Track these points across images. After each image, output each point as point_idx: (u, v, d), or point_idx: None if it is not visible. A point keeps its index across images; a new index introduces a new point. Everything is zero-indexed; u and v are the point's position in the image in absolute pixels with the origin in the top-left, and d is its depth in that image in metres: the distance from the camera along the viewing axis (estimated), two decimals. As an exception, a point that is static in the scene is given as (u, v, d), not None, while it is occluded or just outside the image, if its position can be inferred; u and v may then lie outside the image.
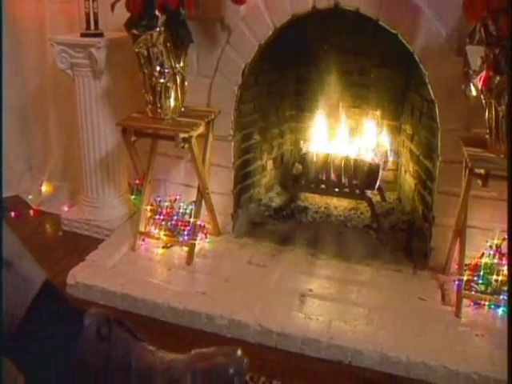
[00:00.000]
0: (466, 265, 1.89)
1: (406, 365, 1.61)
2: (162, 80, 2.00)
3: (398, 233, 2.35)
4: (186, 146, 1.99)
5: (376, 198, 2.57)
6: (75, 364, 0.77)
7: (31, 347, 0.77)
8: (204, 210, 2.23)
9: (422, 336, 1.70)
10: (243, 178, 2.44)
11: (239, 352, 0.81)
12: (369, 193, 2.47)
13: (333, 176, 2.47)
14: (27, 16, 2.65)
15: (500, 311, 1.84)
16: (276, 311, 1.81)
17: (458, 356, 1.61)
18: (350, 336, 1.69)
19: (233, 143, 2.27)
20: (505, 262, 1.87)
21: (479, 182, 1.71)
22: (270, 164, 2.70)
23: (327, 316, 1.79)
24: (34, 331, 0.75)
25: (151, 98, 2.05)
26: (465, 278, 1.87)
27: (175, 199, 2.28)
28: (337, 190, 2.50)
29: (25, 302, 0.74)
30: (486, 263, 1.89)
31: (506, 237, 1.85)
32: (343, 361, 1.66)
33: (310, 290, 1.94)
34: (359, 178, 2.44)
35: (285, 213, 2.51)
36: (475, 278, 1.89)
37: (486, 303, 1.86)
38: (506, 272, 1.85)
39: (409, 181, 2.53)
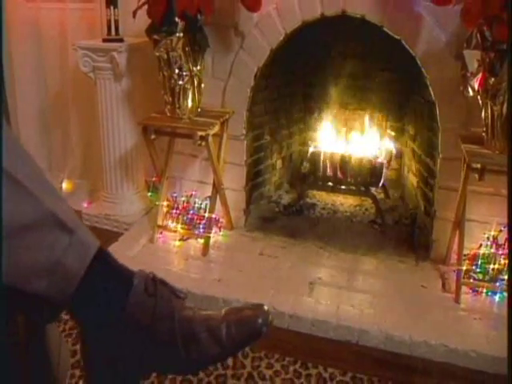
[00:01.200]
0: (464, 255, 2.01)
1: (409, 344, 1.73)
2: (180, 82, 2.14)
3: (402, 227, 2.47)
4: (203, 143, 2.12)
5: (380, 196, 2.69)
6: (126, 318, 0.90)
7: (89, 305, 0.90)
8: (218, 206, 2.36)
9: (423, 319, 1.83)
10: (254, 176, 2.57)
11: (265, 307, 0.94)
12: (373, 190, 2.60)
13: (339, 174, 2.59)
14: (50, 23, 2.79)
15: (497, 298, 1.96)
16: (287, 296, 1.94)
17: (457, 336, 1.74)
18: (356, 318, 1.83)
19: (245, 142, 2.40)
20: (501, 252, 2.00)
21: (476, 176, 1.84)
22: (279, 163, 2.82)
23: (335, 301, 1.93)
24: (92, 290, 0.88)
25: (170, 98, 2.18)
26: (464, 267, 1.99)
27: (191, 194, 2.42)
28: (343, 187, 2.61)
29: (84, 264, 0.87)
30: (483, 253, 2.02)
31: (507, 232, 1.98)
32: (350, 340, 1.79)
33: (319, 278, 2.07)
34: (364, 176, 2.56)
35: (294, 209, 2.64)
36: (473, 267, 2.01)
37: (484, 290, 1.98)
38: (502, 261, 1.98)
39: (411, 179, 2.66)
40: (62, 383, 1.23)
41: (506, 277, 1.96)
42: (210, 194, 2.36)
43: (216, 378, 1.59)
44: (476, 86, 1.81)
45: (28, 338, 1.08)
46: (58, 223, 0.85)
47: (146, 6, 2.10)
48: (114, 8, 2.43)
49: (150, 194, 2.67)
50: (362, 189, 2.59)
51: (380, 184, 2.59)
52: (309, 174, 2.70)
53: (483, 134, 1.88)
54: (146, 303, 0.90)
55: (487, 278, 1.99)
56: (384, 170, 2.58)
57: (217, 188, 2.29)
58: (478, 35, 1.74)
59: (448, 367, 1.68)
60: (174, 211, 2.38)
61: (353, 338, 1.79)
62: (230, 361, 1.66)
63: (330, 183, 2.63)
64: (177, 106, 2.18)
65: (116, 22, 2.45)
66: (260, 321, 0.90)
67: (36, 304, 0.87)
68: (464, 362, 1.68)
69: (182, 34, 2.07)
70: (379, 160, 2.59)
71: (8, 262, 0.80)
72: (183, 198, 2.41)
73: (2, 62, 0.72)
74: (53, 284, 0.84)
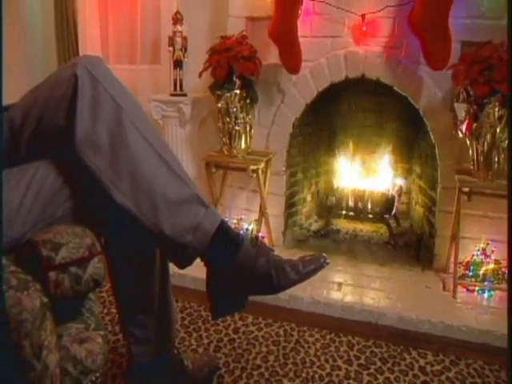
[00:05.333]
0: (460, 263, 2.55)
1: (416, 322, 2.26)
2: (236, 128, 2.74)
3: (410, 248, 3.02)
4: (254, 175, 2.72)
5: (393, 224, 3.24)
6: (237, 260, 1.45)
7: (215, 253, 1.45)
8: (262, 227, 2.93)
9: (427, 307, 2.36)
10: (290, 206, 3.15)
11: (324, 254, 1.51)
12: (387, 218, 3.17)
13: (359, 205, 3.18)
14: (123, 79, 3.43)
15: (485, 295, 2.47)
16: (321, 291, 2.49)
17: (453, 317, 2.27)
18: (376, 305, 2.37)
19: (284, 177, 2.98)
20: (488, 260, 2.54)
21: (466, 197, 2.40)
22: (309, 197, 3.39)
23: (358, 295, 2.47)
24: (218, 243, 1.43)
25: (228, 140, 2.78)
26: (460, 273, 2.54)
27: (240, 218, 2.99)
28: (362, 216, 3.19)
29: (214, 226, 1.42)
30: (474, 261, 2.56)
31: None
32: (371, 321, 2.33)
33: (345, 281, 2.62)
34: (379, 207, 3.14)
35: (321, 233, 3.21)
36: (467, 272, 2.54)
37: (476, 289, 2.50)
38: (489, 267, 2.53)
39: (418, 210, 3.22)
40: (175, 324, 1.79)
41: (492, 278, 2.51)
42: (254, 218, 2.94)
43: (273, 342, 2.14)
44: (464, 131, 2.36)
45: (163, 279, 1.66)
46: (200, 200, 1.41)
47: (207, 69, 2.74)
48: (180, 70, 3.08)
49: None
50: (378, 217, 3.16)
51: (392, 213, 3.16)
52: (333, 206, 3.28)
53: (471, 167, 2.43)
54: (251, 250, 1.46)
55: (478, 279, 2.52)
56: (395, 202, 3.16)
57: (262, 212, 2.87)
58: (464, 92, 2.29)
59: (445, 339, 2.21)
60: (227, 231, 2.94)
61: (373, 319, 2.33)
62: (281, 332, 2.21)
63: (351, 213, 3.21)
64: (233, 146, 2.78)
65: (181, 80, 3.09)
66: (322, 260, 1.46)
67: (181, 252, 1.43)
68: (457, 334, 2.21)
69: (238, 91, 2.69)
70: (391, 193, 3.17)
71: (171, 223, 1.37)
72: (234, 221, 2.99)
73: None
74: (195, 238, 1.39)
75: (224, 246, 1.45)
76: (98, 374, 1.21)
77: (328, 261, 1.49)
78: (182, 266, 1.49)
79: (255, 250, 1.47)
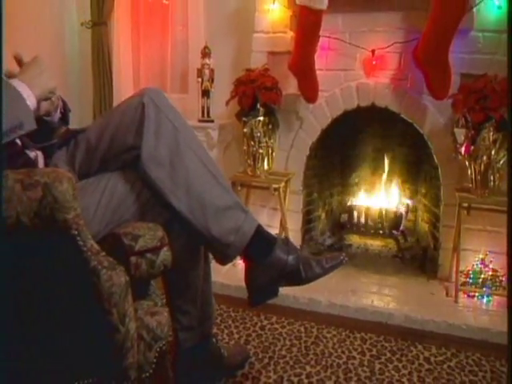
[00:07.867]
0: (461, 272, 2.84)
1: (421, 322, 2.55)
2: (260, 151, 3.06)
3: (416, 260, 3.30)
4: (276, 193, 3.02)
5: (400, 239, 3.54)
6: (273, 257, 1.74)
7: (253, 251, 1.74)
8: (281, 241, 3.21)
9: (431, 309, 2.64)
10: (307, 222, 3.45)
11: (343, 253, 1.80)
12: (395, 233, 3.46)
13: (369, 222, 3.48)
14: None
15: (484, 300, 2.75)
16: (337, 296, 2.78)
17: (455, 317, 2.55)
18: (386, 307, 2.66)
19: (302, 196, 3.29)
20: (487, 268, 2.83)
21: (465, 212, 2.70)
22: (323, 215, 3.69)
23: (370, 299, 2.76)
24: (255, 243, 1.72)
25: (252, 162, 3.09)
26: (462, 281, 2.82)
27: (262, 232, 3.29)
28: (372, 231, 3.49)
29: (252, 229, 1.71)
30: (474, 270, 2.84)
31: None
32: (382, 321, 2.61)
33: (358, 288, 2.91)
34: (388, 224, 3.44)
35: (335, 247, 3.50)
36: (468, 280, 2.82)
37: (476, 294, 2.78)
38: (488, 273, 2.81)
39: (423, 226, 3.50)
40: (214, 315, 2.08)
41: (491, 285, 2.79)
42: (275, 233, 3.23)
43: (295, 337, 2.43)
44: (463, 153, 2.66)
45: (205, 274, 1.95)
46: (240, 206, 1.71)
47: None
48: (207, 98, 3.41)
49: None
50: (387, 232, 3.46)
51: (400, 229, 3.46)
52: (345, 223, 3.58)
53: (470, 185, 2.72)
54: (283, 248, 1.76)
55: (478, 286, 2.79)
56: (403, 219, 3.46)
57: (283, 226, 3.17)
58: (463, 119, 2.60)
59: (447, 336, 2.48)
60: (250, 244, 3.24)
61: (383, 319, 2.61)
62: (302, 329, 2.50)
63: (362, 229, 3.51)
64: (256, 167, 3.09)
65: (208, 108, 3.41)
66: (342, 257, 1.76)
67: (225, 250, 1.72)
68: (458, 332, 2.49)
69: (262, 118, 3.01)
70: (399, 212, 3.47)
71: (218, 226, 1.66)
72: (256, 235, 3.27)
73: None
74: (237, 239, 1.66)
75: (260, 245, 1.73)
76: (164, 342, 1.50)
77: (347, 258, 1.79)
78: (224, 262, 1.76)
79: (286, 249, 1.76)
